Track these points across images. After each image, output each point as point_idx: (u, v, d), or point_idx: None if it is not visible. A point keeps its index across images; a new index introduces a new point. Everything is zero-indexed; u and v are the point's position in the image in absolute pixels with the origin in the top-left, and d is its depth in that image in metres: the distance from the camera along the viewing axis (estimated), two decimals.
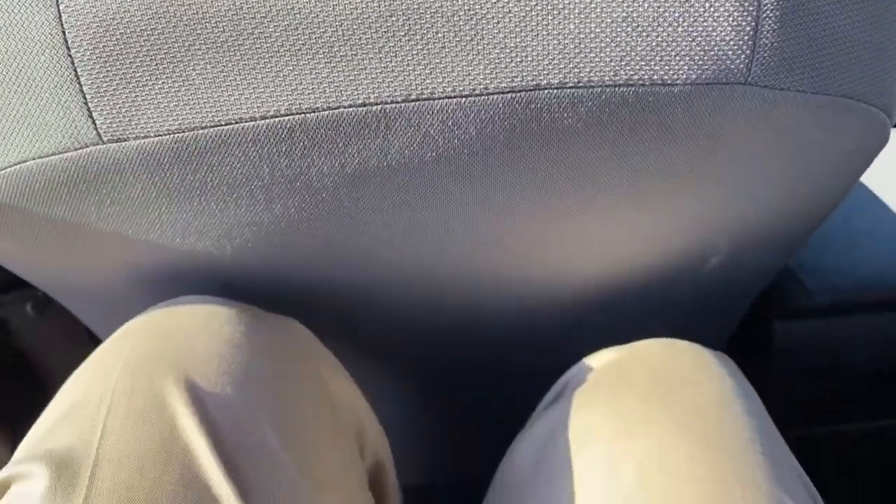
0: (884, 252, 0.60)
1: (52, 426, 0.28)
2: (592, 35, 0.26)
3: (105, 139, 0.28)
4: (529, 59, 0.26)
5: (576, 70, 0.27)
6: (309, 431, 0.31)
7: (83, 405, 0.28)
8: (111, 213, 0.32)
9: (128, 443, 0.26)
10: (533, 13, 0.26)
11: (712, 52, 0.27)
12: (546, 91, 0.27)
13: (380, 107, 0.27)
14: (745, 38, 0.26)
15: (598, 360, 0.38)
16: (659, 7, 0.26)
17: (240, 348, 0.31)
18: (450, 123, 0.28)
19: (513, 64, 0.26)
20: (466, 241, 0.35)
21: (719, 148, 0.30)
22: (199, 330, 0.31)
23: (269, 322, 0.34)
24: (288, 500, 0.28)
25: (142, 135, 0.28)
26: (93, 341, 0.64)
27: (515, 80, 0.27)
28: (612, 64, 0.26)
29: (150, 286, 0.39)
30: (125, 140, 0.28)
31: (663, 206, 0.34)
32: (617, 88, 0.27)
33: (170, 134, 0.28)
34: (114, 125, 0.28)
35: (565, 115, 0.28)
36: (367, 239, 0.34)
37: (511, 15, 0.26)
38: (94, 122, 0.28)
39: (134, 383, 0.28)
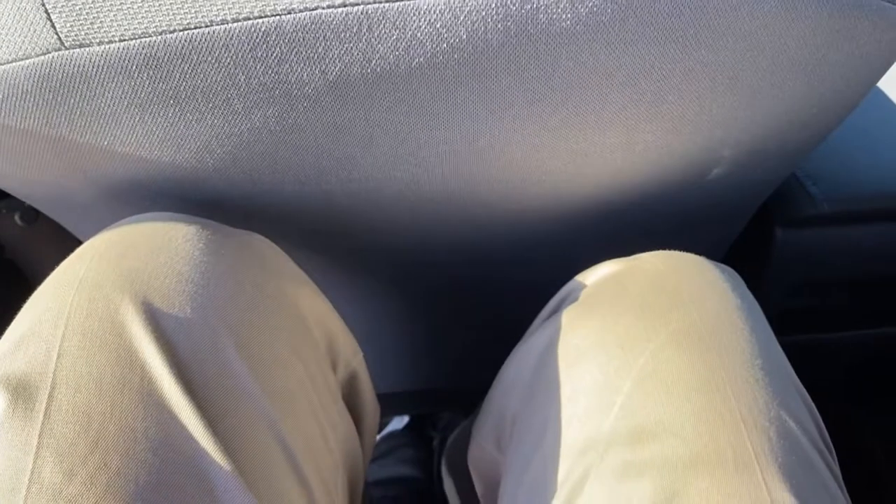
0: (893, 160, 0.58)
1: (9, 349, 0.27)
2: None
3: (67, 44, 0.26)
4: None
5: None
6: (273, 348, 0.31)
7: (39, 328, 0.27)
8: (82, 124, 0.30)
9: (84, 365, 0.26)
10: None
11: None
12: None
13: (361, 7, 0.25)
14: None
15: (597, 274, 0.37)
16: None
17: (199, 266, 0.30)
18: (438, 26, 0.26)
19: None
20: (457, 151, 0.34)
21: (725, 53, 0.28)
22: (156, 248, 0.30)
23: (232, 238, 0.33)
24: (251, 417, 0.28)
25: (105, 39, 0.26)
26: None
27: None
28: None
29: (134, 199, 0.38)
30: (88, 45, 0.26)
31: (664, 114, 0.32)
32: None
33: (136, 38, 0.26)
34: (75, 29, 0.26)
35: (564, 16, 0.26)
36: (353, 149, 0.33)
37: None
38: (53, 26, 0.26)
39: (90, 305, 0.27)
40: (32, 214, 0.57)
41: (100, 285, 0.28)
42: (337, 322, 0.38)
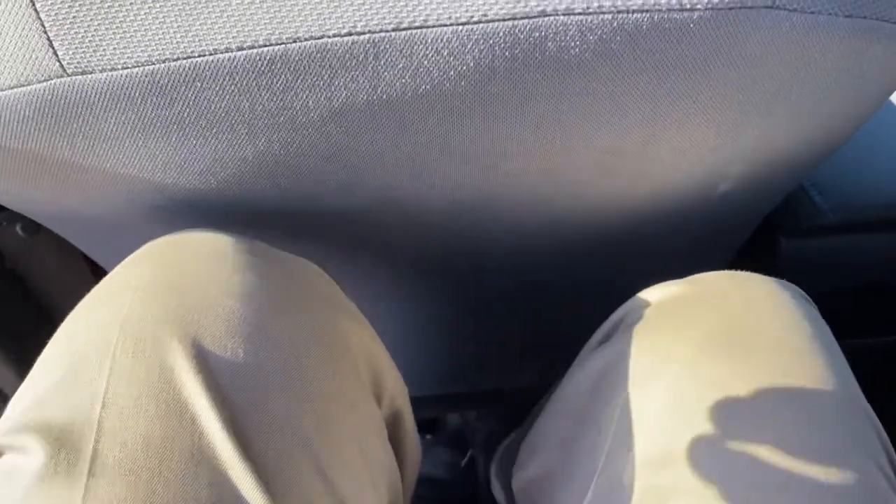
0: None
1: (46, 392, 0.25)
2: None
3: (69, 71, 0.26)
4: None
5: None
6: (325, 391, 0.29)
7: (81, 370, 0.25)
8: (85, 147, 0.30)
9: (131, 417, 0.24)
10: None
11: None
12: (552, 18, 0.24)
13: (367, 36, 0.25)
14: None
15: (657, 296, 0.36)
16: None
17: (251, 302, 0.28)
18: (445, 54, 0.25)
19: None
20: (463, 172, 0.33)
21: (739, 77, 0.28)
22: (205, 280, 0.27)
23: (285, 268, 0.31)
24: (304, 468, 0.26)
25: (108, 67, 0.26)
26: (87, 260, 0.63)
27: (518, 5, 0.24)
28: None
29: (138, 218, 0.38)
30: (90, 72, 0.26)
31: (671, 136, 0.32)
32: (630, 15, 0.24)
33: (139, 66, 0.26)
34: (77, 56, 0.25)
35: (572, 44, 0.25)
36: (359, 171, 0.32)
37: None
38: (55, 53, 0.26)
39: (136, 347, 0.25)
40: (34, 225, 0.57)
41: (146, 323, 0.26)
42: (385, 359, 0.37)
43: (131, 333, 0.25)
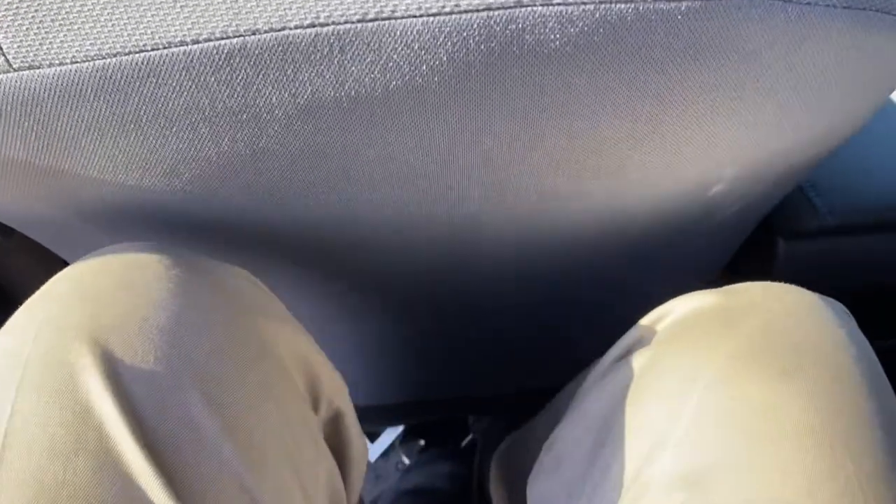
0: None
1: None
2: None
3: (15, 66, 0.24)
4: None
5: None
6: (244, 395, 0.29)
7: None
8: (39, 147, 0.28)
9: (38, 424, 0.24)
10: None
11: None
12: (529, 8, 0.23)
13: (332, 28, 0.23)
14: None
15: (690, 305, 0.34)
16: None
17: (166, 309, 0.28)
18: (416, 47, 0.24)
19: None
20: (441, 173, 0.32)
21: (731, 72, 0.26)
22: (121, 289, 0.28)
23: (206, 275, 0.31)
24: (219, 478, 0.26)
25: (56, 61, 0.24)
26: (66, 264, 0.61)
27: None
28: None
29: (105, 220, 0.36)
30: (38, 67, 0.24)
31: (662, 134, 0.30)
32: (613, 5, 0.23)
33: (89, 60, 0.24)
34: (23, 50, 0.24)
35: (552, 36, 0.24)
36: (331, 171, 0.31)
37: None
38: (0, 47, 0.24)
39: (46, 355, 0.25)
40: (8, 228, 0.56)
41: (59, 333, 0.26)
42: (319, 360, 0.36)
43: (44, 342, 0.26)
